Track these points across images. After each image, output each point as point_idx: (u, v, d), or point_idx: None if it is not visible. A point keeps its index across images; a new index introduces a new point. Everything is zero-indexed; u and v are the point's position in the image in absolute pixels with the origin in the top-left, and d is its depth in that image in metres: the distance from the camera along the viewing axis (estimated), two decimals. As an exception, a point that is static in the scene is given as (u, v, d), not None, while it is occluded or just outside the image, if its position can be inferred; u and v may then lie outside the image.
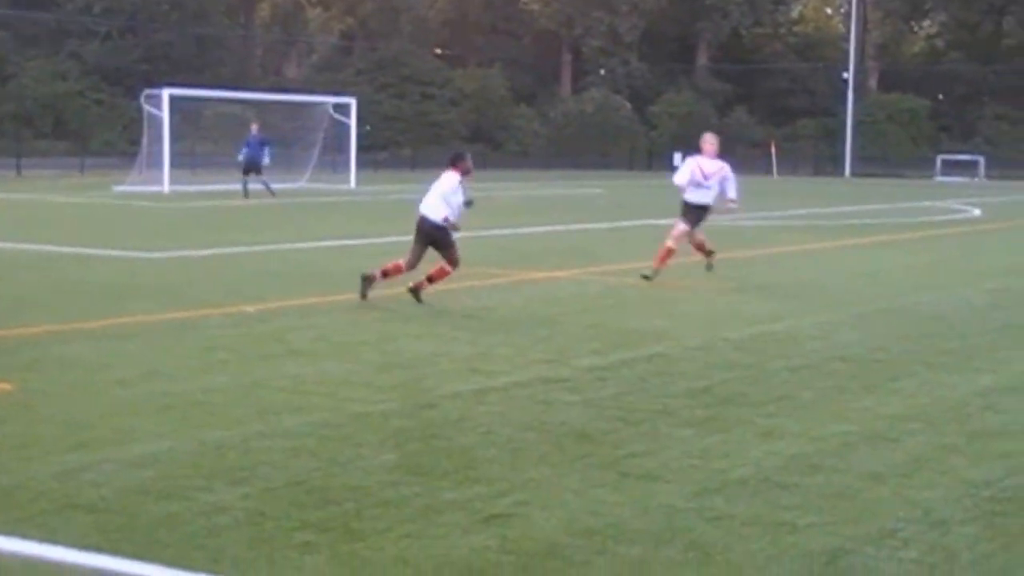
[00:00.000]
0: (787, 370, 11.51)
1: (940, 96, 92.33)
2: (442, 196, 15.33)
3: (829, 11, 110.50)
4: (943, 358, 12.25)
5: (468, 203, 15.62)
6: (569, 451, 8.35)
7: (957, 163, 77.00)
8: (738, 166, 76.77)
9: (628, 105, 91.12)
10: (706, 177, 18.35)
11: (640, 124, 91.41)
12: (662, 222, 31.96)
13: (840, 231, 30.38)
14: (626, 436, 8.84)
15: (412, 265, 15.61)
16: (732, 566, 6.11)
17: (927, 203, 45.51)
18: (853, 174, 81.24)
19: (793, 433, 8.97)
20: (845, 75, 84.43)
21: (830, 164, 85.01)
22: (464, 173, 15.56)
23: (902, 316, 15.30)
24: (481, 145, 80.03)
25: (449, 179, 15.40)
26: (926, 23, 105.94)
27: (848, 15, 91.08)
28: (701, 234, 19.08)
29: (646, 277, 18.07)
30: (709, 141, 18.75)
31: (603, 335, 13.47)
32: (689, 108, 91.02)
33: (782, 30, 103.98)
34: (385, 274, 15.62)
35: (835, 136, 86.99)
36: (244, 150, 41.31)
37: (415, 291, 15.37)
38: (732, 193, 18.66)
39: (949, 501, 7.28)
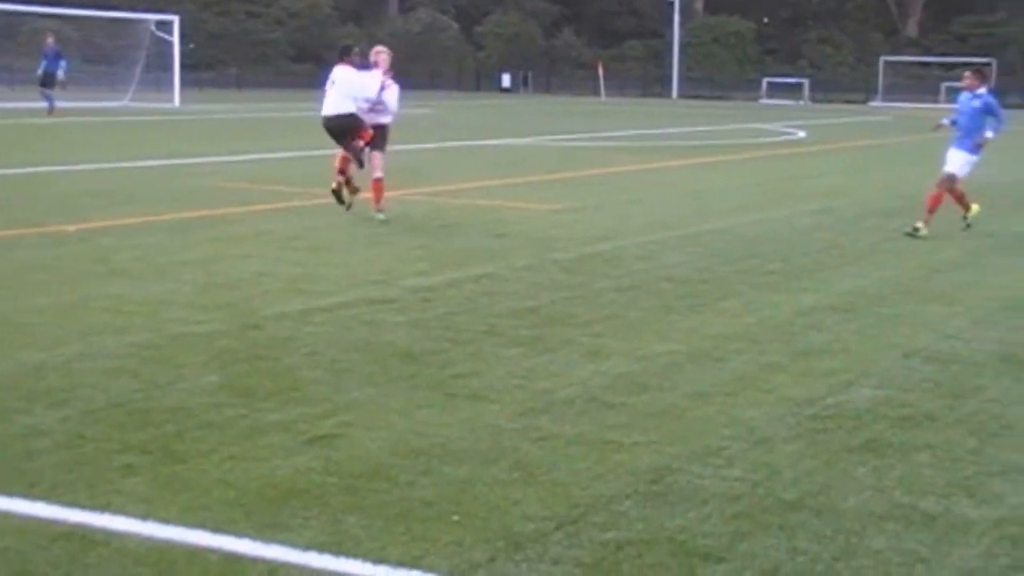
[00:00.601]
0: (614, 290, 11.59)
1: (765, 19, 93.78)
2: (350, 95, 15.62)
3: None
4: (768, 278, 12.46)
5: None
6: (395, 372, 8.27)
7: (782, 85, 78.46)
8: (566, 87, 76.89)
9: (455, 25, 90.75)
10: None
11: (467, 44, 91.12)
12: (491, 143, 31.93)
13: (667, 152, 30.69)
14: (453, 356, 8.80)
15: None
16: (557, 485, 6.12)
17: (753, 125, 46.25)
18: (680, 96, 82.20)
19: (620, 353, 9.02)
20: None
21: (657, 86, 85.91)
22: (353, 66, 15.96)
23: (728, 237, 15.51)
24: (309, 65, 78.85)
25: (358, 74, 15.79)
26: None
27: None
28: None
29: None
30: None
31: (431, 256, 13.40)
32: (516, 29, 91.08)
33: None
34: (342, 172, 15.95)
35: (662, 58, 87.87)
36: (42, 63, 40.26)
37: (337, 192, 15.99)
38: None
39: (772, 419, 7.41)
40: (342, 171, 15.95)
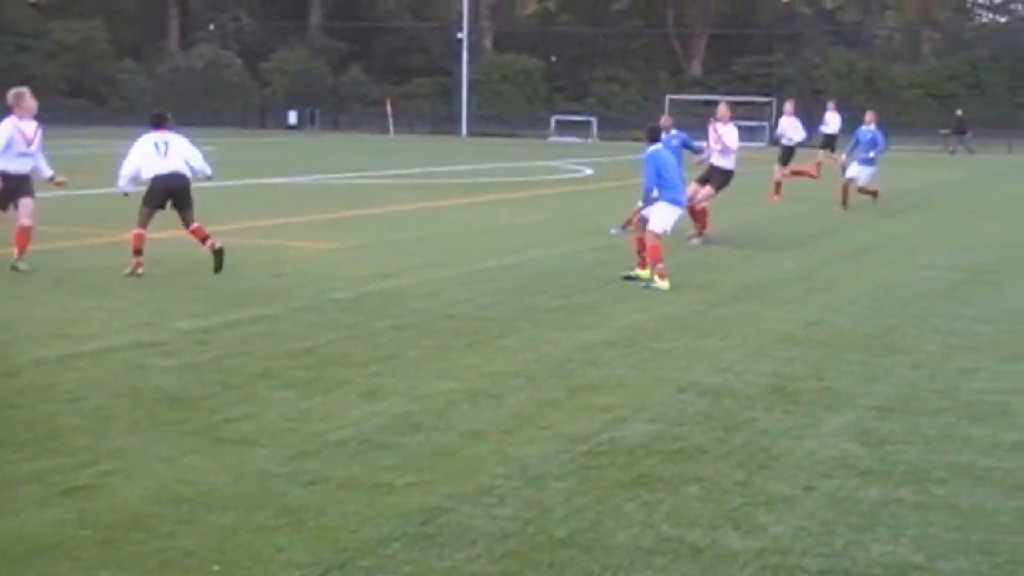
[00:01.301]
0: (394, 329, 11.55)
1: (553, 57, 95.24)
2: (194, 157, 15.27)
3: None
4: (548, 315, 12.58)
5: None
6: (162, 417, 8.08)
7: (571, 123, 79.63)
8: (354, 124, 76.22)
9: (239, 61, 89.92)
10: None
11: (252, 81, 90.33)
12: (275, 181, 31.63)
13: (454, 189, 30.83)
14: (224, 400, 8.64)
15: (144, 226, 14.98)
16: (325, 530, 6.05)
17: (541, 163, 46.81)
18: (470, 133, 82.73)
19: (396, 392, 8.99)
20: (460, 35, 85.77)
21: (447, 123, 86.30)
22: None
23: (511, 274, 15.62)
24: (84, 100, 77.13)
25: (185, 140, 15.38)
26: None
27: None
28: None
29: None
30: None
31: (206, 297, 13.17)
32: (303, 66, 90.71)
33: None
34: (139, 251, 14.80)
35: (452, 95, 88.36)
36: None
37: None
38: None
39: (547, 456, 7.45)
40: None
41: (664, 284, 14.48)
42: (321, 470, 7.03)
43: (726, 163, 19.89)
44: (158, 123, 15.38)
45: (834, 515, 6.57)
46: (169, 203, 15.15)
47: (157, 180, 15.08)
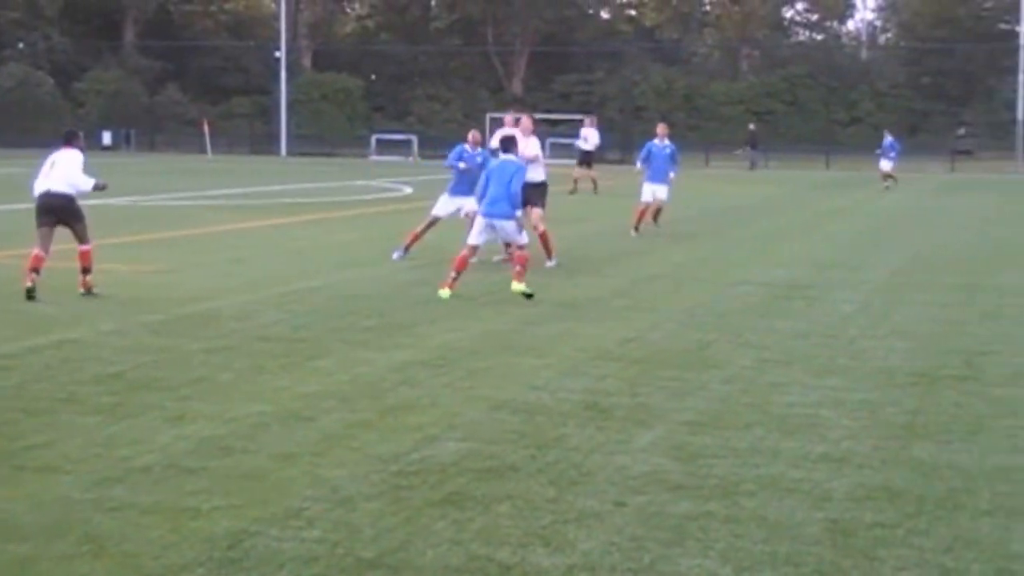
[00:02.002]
0: (205, 352, 11.42)
1: (373, 76, 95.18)
2: (72, 174, 15.29)
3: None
4: (363, 335, 12.56)
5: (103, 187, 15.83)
6: (-43, 447, 7.87)
7: (391, 142, 79.53)
8: (171, 144, 75.01)
9: (51, 81, 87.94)
10: None
11: (65, 101, 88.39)
12: (87, 203, 30.97)
13: (272, 210, 30.56)
14: (26, 428, 8.46)
15: (47, 249, 15.06)
16: (128, 556, 5.96)
17: (361, 182, 46.69)
18: (290, 153, 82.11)
19: (206, 416, 8.89)
20: (277, 54, 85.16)
21: (267, 142, 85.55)
22: (81, 150, 15.70)
23: (327, 294, 15.56)
24: None
25: (76, 156, 15.49)
26: (356, 4, 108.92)
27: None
28: None
29: None
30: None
31: (12, 321, 12.90)
32: (117, 86, 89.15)
33: (213, 7, 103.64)
34: (35, 270, 14.80)
35: (271, 115, 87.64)
36: None
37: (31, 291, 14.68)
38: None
39: (357, 477, 7.45)
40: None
41: (444, 293, 15.08)
42: (126, 496, 6.93)
43: (536, 176, 19.56)
44: (65, 140, 15.77)
45: (644, 530, 6.68)
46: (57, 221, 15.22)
47: (39, 198, 15.29)
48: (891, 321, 14.15)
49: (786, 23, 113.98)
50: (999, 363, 11.62)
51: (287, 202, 34.15)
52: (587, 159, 39.52)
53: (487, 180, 16.04)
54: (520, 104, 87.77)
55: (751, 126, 69.39)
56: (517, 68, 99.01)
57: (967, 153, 79.86)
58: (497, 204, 15.68)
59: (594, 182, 38.65)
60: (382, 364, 11.04)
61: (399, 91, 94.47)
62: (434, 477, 7.48)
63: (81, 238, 15.22)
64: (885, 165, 47.64)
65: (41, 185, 15.26)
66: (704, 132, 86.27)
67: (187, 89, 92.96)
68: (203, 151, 77.99)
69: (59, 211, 15.18)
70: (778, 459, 8.18)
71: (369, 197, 37.69)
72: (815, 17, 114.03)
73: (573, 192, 35.00)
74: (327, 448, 8.12)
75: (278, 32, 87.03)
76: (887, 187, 45.47)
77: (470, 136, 19.87)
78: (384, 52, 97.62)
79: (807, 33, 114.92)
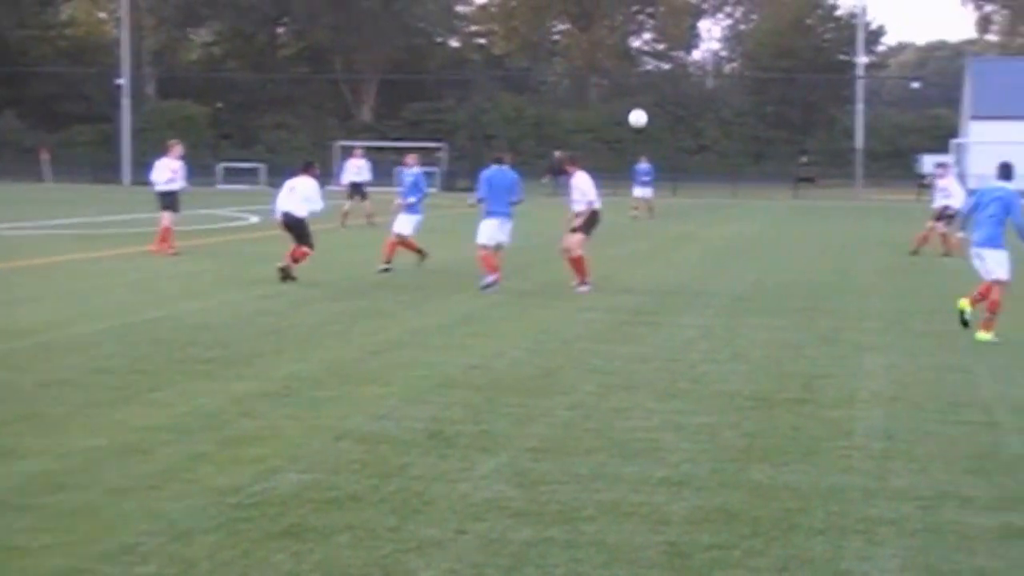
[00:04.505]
0: (39, 386, 11.18)
1: (220, 104, 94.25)
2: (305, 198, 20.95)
3: (103, 15, 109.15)
4: (204, 366, 12.41)
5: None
6: None
7: (238, 170, 78.79)
8: (8, 172, 73.01)
9: None
10: None
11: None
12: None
13: (113, 240, 30.03)
14: None
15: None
16: (-50, 599, 5.80)
17: (206, 211, 46.10)
18: (134, 181, 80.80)
19: (37, 451, 8.71)
20: (119, 81, 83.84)
21: (109, 171, 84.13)
22: (315, 177, 21.14)
23: (169, 325, 15.33)
24: None
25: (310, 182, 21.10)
26: (202, 31, 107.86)
27: (121, 20, 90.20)
28: None
29: None
30: None
31: None
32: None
33: (52, 32, 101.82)
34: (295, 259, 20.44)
35: (113, 143, 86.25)
36: None
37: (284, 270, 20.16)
38: None
39: (194, 511, 7.36)
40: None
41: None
42: (-50, 536, 6.75)
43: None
44: (304, 169, 21.44)
45: (484, 557, 6.71)
46: None
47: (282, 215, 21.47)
48: (732, 345, 14.40)
49: (634, 52, 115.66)
50: (835, 386, 11.90)
51: (130, 231, 33.58)
52: (358, 191, 38.34)
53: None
54: (371, 132, 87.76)
55: (556, 153, 69.10)
56: (367, 96, 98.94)
57: (809, 180, 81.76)
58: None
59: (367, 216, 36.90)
60: (223, 395, 10.91)
61: (246, 119, 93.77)
62: (274, 509, 7.42)
63: (302, 242, 20.74)
64: (639, 192, 44.81)
65: (282, 205, 20.92)
66: (551, 159, 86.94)
67: (25, 116, 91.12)
68: (42, 179, 76.43)
69: (292, 227, 20.77)
70: (619, 484, 8.27)
71: (214, 226, 37.24)
72: (662, 47, 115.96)
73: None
74: (164, 481, 8.01)
75: (119, 59, 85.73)
76: (635, 216, 42.57)
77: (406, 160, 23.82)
78: (231, 79, 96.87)
79: (654, 62, 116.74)
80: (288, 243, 21.12)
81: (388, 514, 7.41)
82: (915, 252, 28.29)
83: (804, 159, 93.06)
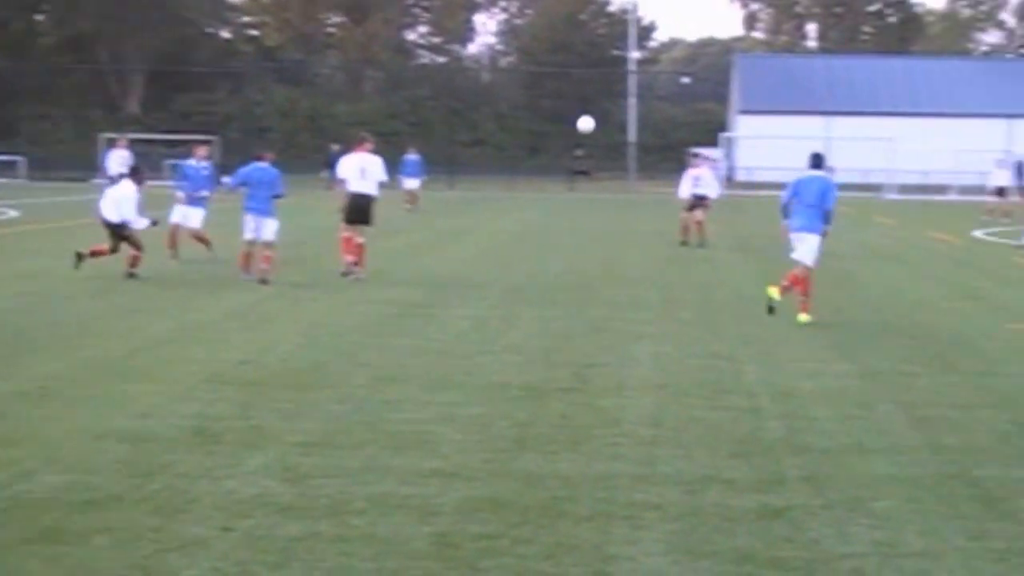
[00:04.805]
0: None
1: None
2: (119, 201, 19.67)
3: None
4: (-44, 366, 11.96)
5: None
6: None
7: (-4, 163, 76.21)
8: None
9: None
10: None
11: None
12: None
13: None
14: None
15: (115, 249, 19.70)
16: None
17: (-37, 207, 44.50)
18: None
19: None
20: None
21: None
22: (138, 183, 20.00)
23: (-81, 325, 14.73)
24: None
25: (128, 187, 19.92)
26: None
27: None
28: None
29: None
30: None
31: None
32: None
33: None
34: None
35: None
36: None
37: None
38: None
39: (-58, 516, 7.09)
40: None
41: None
42: None
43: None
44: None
45: (250, 554, 6.63)
46: None
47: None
48: (505, 337, 14.53)
49: (409, 46, 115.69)
50: (605, 375, 12.10)
51: None
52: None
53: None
54: (139, 124, 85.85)
55: (334, 146, 68.45)
56: (134, 87, 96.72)
57: (584, 174, 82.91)
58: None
59: None
60: (-25, 397, 10.54)
61: (5, 111, 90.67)
62: (28, 512, 7.21)
63: (131, 244, 19.64)
64: (409, 183, 43.82)
65: (104, 209, 19.75)
66: (328, 152, 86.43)
67: None
68: None
69: (114, 231, 19.67)
70: (389, 476, 8.27)
71: (-28, 222, 35.93)
72: (438, 40, 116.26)
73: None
74: (-91, 488, 7.69)
75: None
76: (409, 209, 42.20)
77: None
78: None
79: (430, 56, 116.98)
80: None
81: (150, 514, 7.26)
82: (684, 243, 28.93)
83: (579, 152, 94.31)
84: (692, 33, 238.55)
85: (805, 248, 16.12)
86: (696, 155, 31.38)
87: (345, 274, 19.98)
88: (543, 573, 6.46)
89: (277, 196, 20.14)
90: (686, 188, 29.62)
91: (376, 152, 20.65)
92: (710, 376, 12.14)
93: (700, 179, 29.68)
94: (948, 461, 8.91)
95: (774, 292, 16.20)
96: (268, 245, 19.73)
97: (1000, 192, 37.44)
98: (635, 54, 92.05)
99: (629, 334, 14.88)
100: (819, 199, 16.07)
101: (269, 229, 19.87)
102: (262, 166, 20.16)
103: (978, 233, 30.70)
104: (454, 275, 21.84)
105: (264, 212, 19.89)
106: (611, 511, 7.55)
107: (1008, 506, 7.80)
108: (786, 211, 16.62)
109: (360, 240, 20.28)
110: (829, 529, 7.28)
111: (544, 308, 17.18)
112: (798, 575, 6.54)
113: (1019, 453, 9.18)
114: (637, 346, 14.01)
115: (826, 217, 16.16)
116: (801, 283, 15.99)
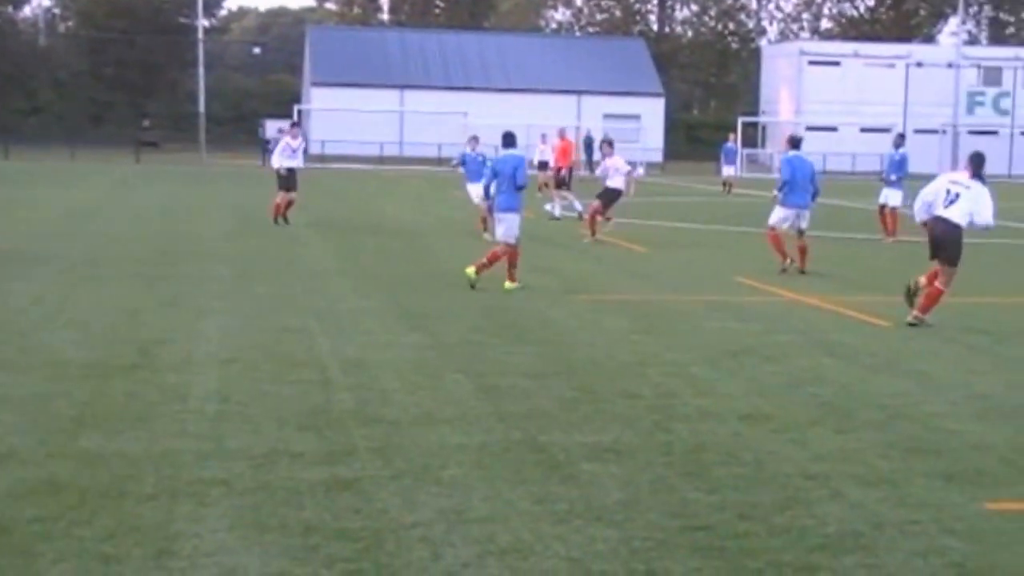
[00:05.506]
0: None
1: None
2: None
3: None
4: None
5: None
6: None
7: None
8: None
9: None
10: None
11: None
12: None
13: None
14: None
15: None
16: None
17: None
18: None
19: None
20: None
21: None
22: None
23: None
24: None
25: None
26: None
27: None
28: None
29: None
30: None
31: None
32: None
33: None
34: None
35: None
36: None
37: None
38: None
39: None
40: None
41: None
42: None
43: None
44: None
45: None
46: None
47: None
48: (67, 313, 14.07)
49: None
50: (172, 351, 11.89)
51: None
52: None
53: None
54: None
55: None
56: None
57: (153, 145, 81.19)
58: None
59: None
60: None
61: None
62: None
63: None
64: None
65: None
66: None
67: None
68: None
69: None
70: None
71: None
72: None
73: None
74: None
75: None
76: None
77: None
78: None
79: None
80: None
81: None
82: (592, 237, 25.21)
83: (147, 123, 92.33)
84: (263, 3, 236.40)
85: (504, 227, 17.21)
86: (610, 143, 26.43)
87: None
88: (103, 555, 6.30)
89: None
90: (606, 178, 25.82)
91: None
92: (281, 349, 12.13)
93: (616, 170, 25.81)
94: (515, 428, 9.22)
95: (471, 272, 16.94)
96: None
97: (542, 166, 38.19)
98: (204, 22, 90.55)
99: (200, 309, 14.68)
100: (512, 176, 17.12)
101: None
102: None
103: (549, 207, 31.81)
104: (11, 249, 20.97)
105: None
106: (176, 488, 7.44)
107: (570, 470, 8.14)
108: (488, 191, 17.87)
109: None
110: (397, 499, 7.41)
111: (111, 283, 16.73)
112: (365, 545, 6.63)
113: (582, 419, 9.59)
114: (207, 321, 13.84)
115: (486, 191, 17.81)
116: (505, 257, 17.09)
